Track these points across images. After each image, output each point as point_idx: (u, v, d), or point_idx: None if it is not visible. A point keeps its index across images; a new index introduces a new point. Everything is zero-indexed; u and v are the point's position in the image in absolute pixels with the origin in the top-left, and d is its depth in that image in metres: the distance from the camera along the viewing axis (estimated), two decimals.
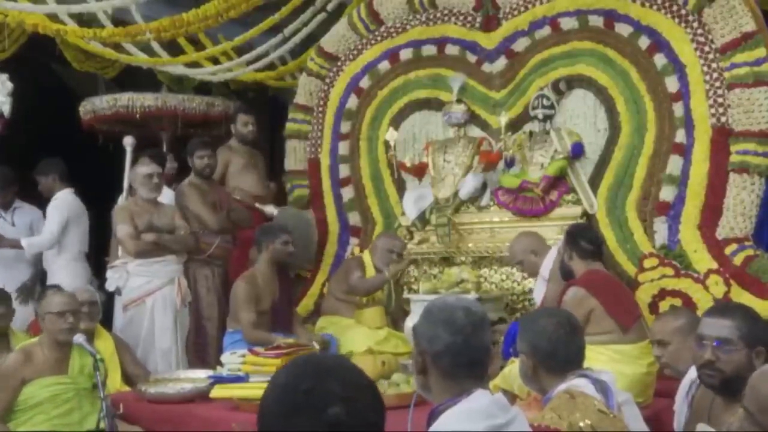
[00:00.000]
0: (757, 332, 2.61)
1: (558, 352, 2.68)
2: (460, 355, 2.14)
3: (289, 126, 6.55)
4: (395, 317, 5.56)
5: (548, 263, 4.69)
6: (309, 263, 6.27)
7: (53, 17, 5.71)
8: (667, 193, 5.13)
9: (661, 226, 5.13)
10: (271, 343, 4.60)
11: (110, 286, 5.52)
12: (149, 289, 5.32)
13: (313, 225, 6.30)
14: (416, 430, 2.47)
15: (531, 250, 4.83)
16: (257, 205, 6.37)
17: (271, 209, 6.31)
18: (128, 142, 6.28)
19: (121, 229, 5.33)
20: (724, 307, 2.93)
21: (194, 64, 6.91)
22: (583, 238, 4.40)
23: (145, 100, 6.94)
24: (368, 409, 1.47)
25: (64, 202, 5.92)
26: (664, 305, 4.78)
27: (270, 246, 5.19)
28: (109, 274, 5.58)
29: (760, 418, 2.09)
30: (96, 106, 7.05)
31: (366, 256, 5.61)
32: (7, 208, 6.13)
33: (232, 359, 4.38)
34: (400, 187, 6.10)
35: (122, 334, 5.27)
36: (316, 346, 4.71)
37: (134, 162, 6.07)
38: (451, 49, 6.00)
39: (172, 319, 5.32)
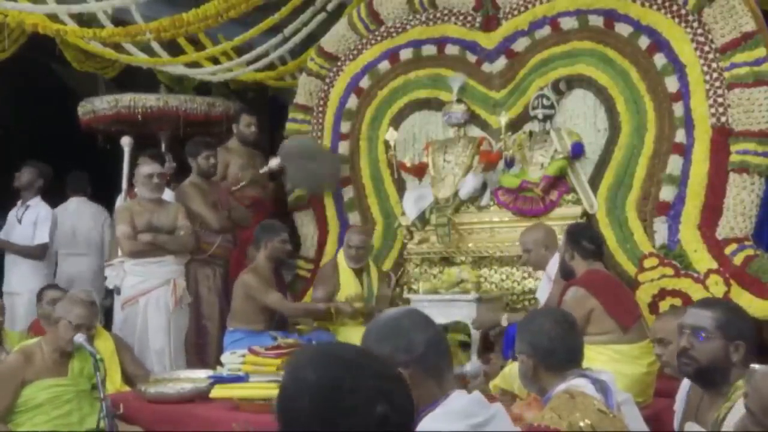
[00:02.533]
0: (738, 326, 2.64)
1: (557, 350, 2.69)
2: (439, 344, 2.14)
3: (289, 126, 6.55)
4: None
5: (555, 263, 4.67)
6: (329, 186, 6.29)
7: (53, 17, 5.72)
8: (667, 193, 5.13)
9: (661, 226, 5.13)
10: (313, 309, 5.20)
11: (109, 284, 5.55)
12: (143, 289, 5.34)
13: (321, 148, 6.28)
14: None
15: (543, 243, 4.80)
16: (261, 170, 6.38)
17: (274, 161, 6.32)
18: (126, 142, 6.29)
19: (119, 228, 5.39)
20: (709, 300, 3.04)
21: (194, 64, 6.91)
22: (584, 237, 4.40)
23: (147, 100, 6.94)
24: (406, 399, 1.42)
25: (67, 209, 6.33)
26: (664, 305, 4.77)
27: (269, 243, 5.23)
28: (107, 272, 5.59)
29: (762, 419, 2.09)
30: (96, 106, 7.05)
31: (340, 256, 5.58)
32: (24, 201, 6.19)
33: (232, 359, 4.38)
34: (400, 187, 6.10)
35: (120, 332, 5.29)
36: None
37: (132, 162, 6.08)
38: (451, 49, 6.00)
39: (165, 321, 5.32)
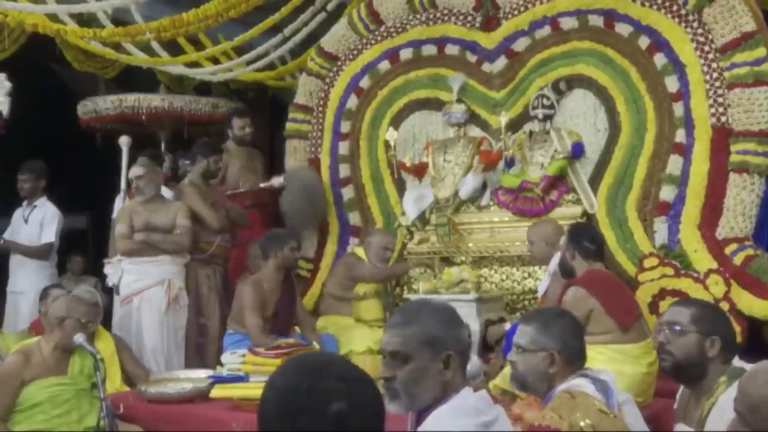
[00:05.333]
0: (713, 321, 2.73)
1: (583, 350, 2.74)
2: (470, 345, 2.34)
3: (289, 126, 6.55)
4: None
5: (556, 261, 4.67)
6: (317, 221, 6.29)
7: (53, 17, 5.71)
8: (667, 193, 5.13)
9: (661, 225, 5.13)
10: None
11: (109, 282, 5.58)
12: (137, 288, 5.36)
13: (318, 181, 6.27)
14: (415, 430, 2.47)
15: (545, 238, 4.80)
16: (262, 184, 6.37)
17: (277, 180, 6.31)
18: (124, 141, 6.29)
19: (117, 228, 5.46)
20: (687, 300, 3.19)
21: (194, 64, 6.91)
22: (586, 237, 4.40)
23: (152, 101, 6.93)
24: (369, 401, 1.50)
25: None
26: (664, 305, 4.76)
27: (278, 253, 5.12)
28: (106, 269, 5.60)
29: (750, 419, 2.11)
30: (99, 106, 7.04)
31: (360, 252, 5.61)
32: (30, 201, 6.18)
33: (232, 359, 4.38)
34: (400, 187, 6.10)
35: (118, 330, 5.30)
36: (317, 346, 4.72)
37: (131, 161, 6.08)
38: (451, 49, 6.00)
39: (157, 320, 5.31)
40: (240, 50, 6.99)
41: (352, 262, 5.63)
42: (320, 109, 6.44)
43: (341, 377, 1.49)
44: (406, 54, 6.15)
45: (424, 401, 2.19)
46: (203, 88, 7.77)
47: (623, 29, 5.35)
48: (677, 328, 2.72)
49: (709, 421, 2.56)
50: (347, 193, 6.33)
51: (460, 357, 2.22)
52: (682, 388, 2.93)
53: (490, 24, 5.81)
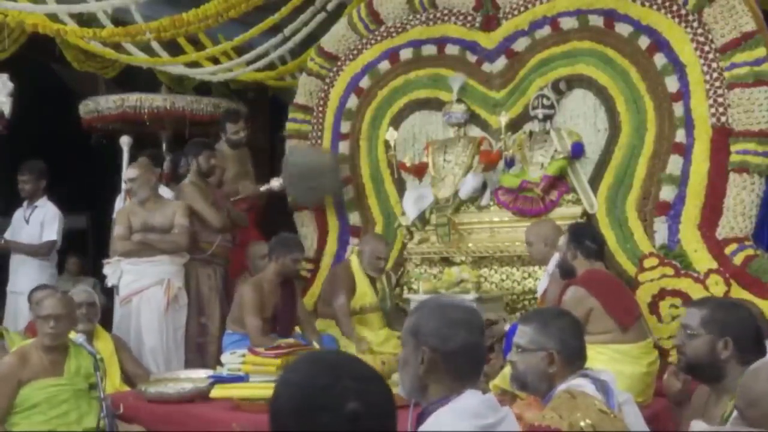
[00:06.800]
0: (725, 322, 2.71)
1: (582, 349, 2.74)
2: (474, 352, 2.22)
3: (289, 126, 6.55)
4: (393, 318, 5.55)
5: (555, 261, 4.67)
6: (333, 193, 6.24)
7: (53, 17, 5.72)
8: (667, 193, 5.13)
9: (661, 225, 5.13)
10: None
11: (108, 282, 5.58)
12: (136, 288, 5.37)
13: (322, 161, 6.18)
14: (416, 430, 2.47)
15: (544, 238, 4.80)
16: (262, 188, 6.36)
17: (276, 182, 6.29)
18: (125, 141, 6.28)
19: (115, 229, 5.48)
20: (703, 299, 3.15)
21: (194, 64, 6.91)
22: (587, 237, 4.41)
23: (154, 101, 6.93)
24: (382, 401, 1.49)
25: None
26: (664, 305, 4.78)
27: (280, 259, 5.11)
28: (105, 270, 5.61)
29: (748, 414, 2.12)
30: (101, 105, 7.04)
31: (354, 262, 5.55)
32: (31, 202, 6.18)
33: (232, 359, 4.38)
34: (400, 187, 6.10)
35: (117, 330, 5.31)
36: (317, 347, 4.72)
37: (132, 161, 6.08)
38: (451, 49, 6.00)
39: (156, 320, 5.32)
40: (240, 50, 6.99)
41: (334, 285, 5.50)
42: (320, 109, 6.44)
43: (356, 376, 1.48)
44: (406, 54, 6.15)
45: (408, 389, 2.23)
46: (203, 88, 7.77)
47: (623, 29, 5.34)
48: (688, 331, 2.74)
49: (732, 421, 2.55)
50: (347, 193, 6.33)
51: (441, 357, 2.15)
52: (698, 386, 2.93)
53: (490, 24, 5.81)
